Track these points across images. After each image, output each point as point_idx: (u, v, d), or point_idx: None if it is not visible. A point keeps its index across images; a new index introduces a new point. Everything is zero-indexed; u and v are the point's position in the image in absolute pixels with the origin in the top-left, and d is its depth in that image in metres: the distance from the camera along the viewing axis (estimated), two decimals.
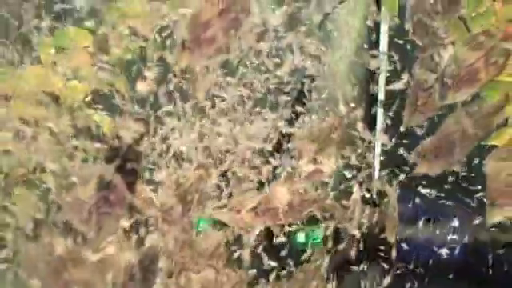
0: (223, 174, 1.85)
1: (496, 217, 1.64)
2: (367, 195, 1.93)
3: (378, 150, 2.06)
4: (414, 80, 1.61)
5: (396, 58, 1.83)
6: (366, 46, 2.21)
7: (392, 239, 1.80)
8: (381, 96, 2.05)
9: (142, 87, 1.81)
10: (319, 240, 2.03)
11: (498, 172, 1.54)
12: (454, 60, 1.55)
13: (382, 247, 1.87)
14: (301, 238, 1.97)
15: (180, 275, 1.76)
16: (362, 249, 1.87)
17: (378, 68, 2.04)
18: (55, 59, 1.95)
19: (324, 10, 1.99)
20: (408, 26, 1.75)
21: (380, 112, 2.03)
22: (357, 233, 1.86)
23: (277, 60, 1.92)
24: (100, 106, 1.95)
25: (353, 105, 1.91)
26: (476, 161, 1.67)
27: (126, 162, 1.66)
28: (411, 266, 1.89)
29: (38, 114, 1.92)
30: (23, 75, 1.92)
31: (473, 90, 1.57)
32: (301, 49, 1.96)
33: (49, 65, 1.95)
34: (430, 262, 1.89)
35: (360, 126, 1.84)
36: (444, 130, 1.65)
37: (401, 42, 1.84)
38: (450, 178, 1.76)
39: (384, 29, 2.33)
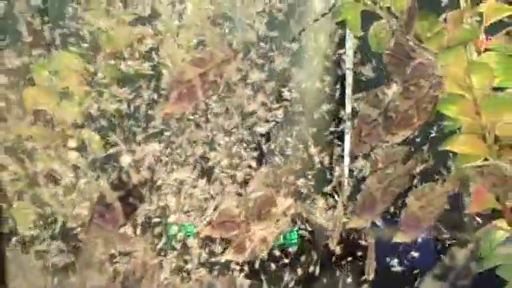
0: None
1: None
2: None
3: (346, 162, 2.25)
4: (358, 114, 1.78)
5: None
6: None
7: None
8: (347, 114, 2.24)
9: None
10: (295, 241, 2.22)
11: None
12: (397, 96, 1.73)
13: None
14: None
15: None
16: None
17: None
18: (48, 81, 2.12)
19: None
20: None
21: (348, 131, 2.23)
22: (337, 249, 2.03)
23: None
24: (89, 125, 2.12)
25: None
26: None
27: (129, 196, 1.79)
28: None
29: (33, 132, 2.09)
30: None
31: (408, 133, 1.77)
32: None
33: (42, 86, 2.12)
34: None
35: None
36: (366, 189, 1.87)
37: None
38: None
39: (349, 46, 2.53)
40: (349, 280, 2.14)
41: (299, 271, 2.14)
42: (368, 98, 1.74)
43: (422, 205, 1.81)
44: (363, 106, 1.73)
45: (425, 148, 1.89)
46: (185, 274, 1.96)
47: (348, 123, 2.22)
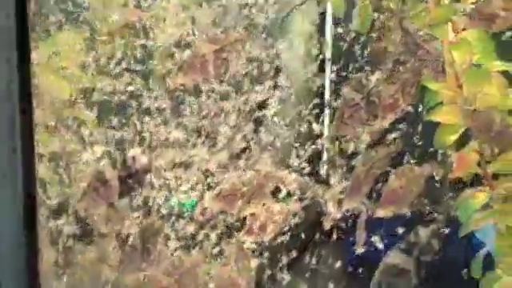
0: None
1: None
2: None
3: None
4: (341, 98, 1.88)
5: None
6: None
7: None
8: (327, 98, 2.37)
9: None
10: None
11: None
12: (381, 82, 1.85)
13: None
14: None
15: None
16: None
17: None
18: (48, 59, 2.19)
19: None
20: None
21: (327, 113, 2.35)
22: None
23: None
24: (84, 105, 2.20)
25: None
26: None
27: (130, 179, 1.86)
28: None
29: None
30: None
31: (395, 116, 1.90)
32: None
33: (42, 64, 2.19)
34: None
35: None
36: (354, 172, 1.99)
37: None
38: None
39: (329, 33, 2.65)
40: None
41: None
42: (351, 83, 1.83)
43: (401, 184, 1.93)
44: (347, 91, 1.83)
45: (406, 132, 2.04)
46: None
47: (326, 106, 2.35)
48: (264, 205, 2.03)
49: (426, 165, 1.98)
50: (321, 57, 2.55)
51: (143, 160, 1.79)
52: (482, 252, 2.05)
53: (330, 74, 2.53)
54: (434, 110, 2.03)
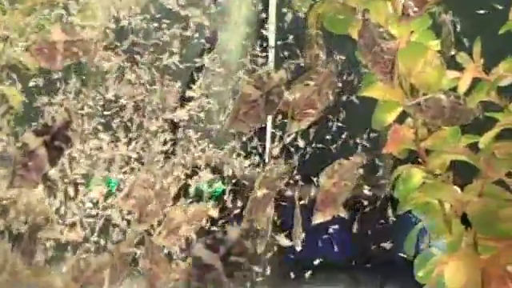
0: None
1: None
2: None
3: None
4: (239, 93, 1.77)
5: None
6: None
7: None
8: None
9: None
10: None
11: None
12: (282, 82, 1.75)
13: None
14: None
15: None
16: None
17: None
18: None
19: None
20: None
21: None
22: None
23: None
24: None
25: None
26: None
27: (55, 140, 1.78)
28: None
29: None
30: None
31: (313, 118, 1.84)
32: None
33: None
34: None
35: None
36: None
37: None
38: None
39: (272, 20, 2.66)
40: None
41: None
42: (252, 78, 1.74)
43: (334, 181, 1.90)
44: (245, 86, 1.73)
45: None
46: None
47: None
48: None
49: (355, 155, 1.94)
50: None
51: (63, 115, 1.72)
52: (418, 227, 2.04)
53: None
54: (370, 86, 2.03)
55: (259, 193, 1.83)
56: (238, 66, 2.44)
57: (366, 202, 2.61)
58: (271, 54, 2.56)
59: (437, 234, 2.00)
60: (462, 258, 1.91)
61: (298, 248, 2.12)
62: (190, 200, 2.05)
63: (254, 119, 1.74)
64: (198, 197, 2.22)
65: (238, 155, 2.39)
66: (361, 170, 1.91)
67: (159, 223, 1.95)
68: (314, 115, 1.83)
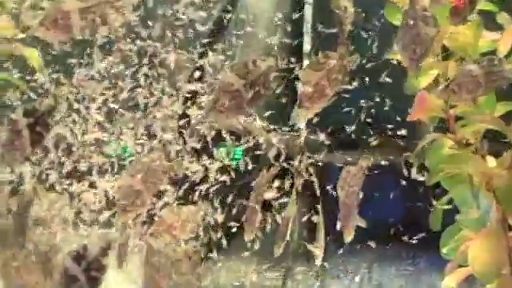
0: None
1: None
2: None
3: None
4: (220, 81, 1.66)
5: None
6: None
7: None
8: None
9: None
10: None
11: None
12: (270, 71, 1.61)
13: None
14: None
15: None
16: None
17: None
18: None
19: None
20: None
21: None
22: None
23: None
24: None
25: None
26: None
27: (37, 125, 1.75)
28: None
29: None
30: None
31: (323, 104, 1.69)
32: None
33: None
34: None
35: None
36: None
37: None
38: None
39: None
40: None
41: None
42: (235, 66, 1.61)
43: (346, 190, 1.79)
44: (227, 74, 1.59)
45: None
46: None
47: None
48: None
49: (361, 159, 1.83)
50: None
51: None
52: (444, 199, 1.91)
53: None
54: None
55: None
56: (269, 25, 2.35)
57: None
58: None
59: (465, 208, 1.88)
60: (488, 236, 1.78)
61: (318, 262, 2.06)
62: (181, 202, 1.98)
63: (236, 111, 1.60)
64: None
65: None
66: None
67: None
68: (323, 102, 1.70)
